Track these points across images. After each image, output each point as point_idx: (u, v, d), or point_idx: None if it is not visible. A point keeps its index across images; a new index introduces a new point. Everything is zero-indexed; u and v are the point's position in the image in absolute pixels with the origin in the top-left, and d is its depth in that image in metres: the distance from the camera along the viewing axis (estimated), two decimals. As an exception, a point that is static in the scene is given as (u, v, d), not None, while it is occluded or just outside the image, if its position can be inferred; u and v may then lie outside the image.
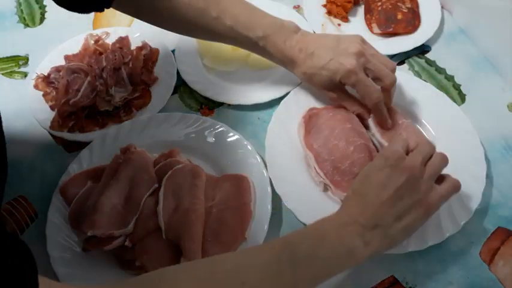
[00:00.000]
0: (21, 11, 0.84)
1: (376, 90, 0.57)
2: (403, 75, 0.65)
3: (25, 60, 0.76)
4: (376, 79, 0.57)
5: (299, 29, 0.60)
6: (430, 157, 0.48)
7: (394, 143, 0.49)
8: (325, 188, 0.56)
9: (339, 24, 0.76)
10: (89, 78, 0.68)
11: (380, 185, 0.45)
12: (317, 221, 0.46)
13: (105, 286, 0.37)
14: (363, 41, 0.58)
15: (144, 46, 0.73)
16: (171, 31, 0.64)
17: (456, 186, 0.49)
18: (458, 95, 0.67)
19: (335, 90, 0.59)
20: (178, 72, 0.70)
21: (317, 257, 0.43)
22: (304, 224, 0.54)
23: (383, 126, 0.59)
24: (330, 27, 0.75)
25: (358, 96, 0.59)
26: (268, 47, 0.59)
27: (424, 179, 0.46)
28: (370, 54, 0.57)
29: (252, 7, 0.60)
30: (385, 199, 0.45)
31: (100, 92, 0.67)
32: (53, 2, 0.84)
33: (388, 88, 0.57)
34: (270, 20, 0.59)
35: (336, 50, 0.57)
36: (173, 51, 0.73)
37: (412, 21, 0.74)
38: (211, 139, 0.61)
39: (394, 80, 0.57)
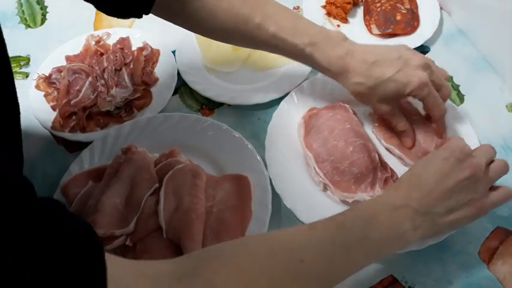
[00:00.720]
0: (23, 11, 0.84)
1: (442, 102, 0.56)
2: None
3: (26, 60, 0.77)
4: (437, 90, 0.56)
5: (346, 39, 0.57)
6: (491, 162, 0.49)
7: (460, 139, 0.49)
8: (325, 188, 0.57)
9: (338, 25, 0.77)
10: (90, 79, 0.68)
11: (443, 173, 0.45)
12: (369, 201, 0.47)
13: (162, 262, 0.37)
14: (414, 52, 0.57)
15: (144, 47, 0.73)
16: (209, 37, 0.61)
17: (509, 196, 0.49)
18: (457, 96, 0.68)
19: (391, 103, 0.57)
20: (178, 73, 0.70)
21: (369, 239, 0.43)
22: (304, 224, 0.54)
23: (440, 136, 0.58)
24: (330, 28, 0.75)
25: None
26: (315, 54, 0.56)
27: (484, 181, 0.47)
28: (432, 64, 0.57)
29: (297, 15, 0.59)
30: (444, 189, 0.45)
31: (101, 93, 0.67)
32: (54, 3, 0.85)
33: (445, 99, 0.57)
34: (316, 28, 0.57)
35: (400, 62, 0.54)
36: (174, 51, 0.73)
37: (411, 22, 0.74)
38: (211, 139, 0.61)
39: (450, 91, 0.58)
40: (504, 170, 0.49)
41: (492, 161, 0.49)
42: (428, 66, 0.55)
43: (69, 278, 0.28)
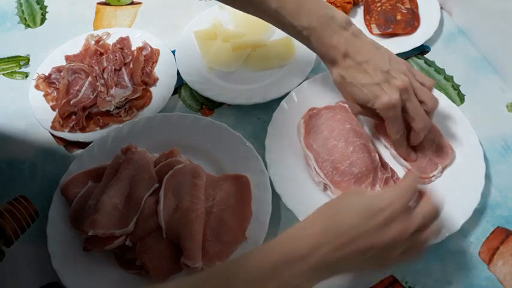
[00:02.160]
0: (22, 11, 0.84)
1: (401, 129, 0.55)
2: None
3: (26, 60, 0.77)
4: (409, 118, 0.55)
5: (350, 25, 0.55)
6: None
7: (403, 190, 0.42)
8: (325, 188, 0.57)
9: (339, 25, 0.76)
10: (89, 79, 0.68)
11: (364, 232, 0.40)
12: (270, 245, 0.41)
13: None
14: (410, 70, 0.55)
15: (144, 46, 0.73)
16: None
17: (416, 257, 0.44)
18: (458, 95, 0.67)
19: (364, 108, 0.56)
20: (178, 73, 0.70)
21: None
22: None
23: (406, 159, 0.57)
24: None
25: None
26: (312, 39, 0.55)
27: (402, 248, 0.42)
28: (415, 87, 0.54)
29: None
30: (358, 249, 0.40)
31: (101, 93, 0.67)
32: (53, 3, 0.85)
33: (417, 132, 0.55)
34: (320, 10, 0.54)
35: (384, 75, 0.53)
36: (173, 51, 0.73)
37: (412, 22, 0.74)
38: (211, 139, 0.61)
39: (426, 126, 0.54)
40: (433, 238, 0.45)
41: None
42: (406, 91, 0.53)
43: None
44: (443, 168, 0.57)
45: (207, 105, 0.69)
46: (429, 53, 0.73)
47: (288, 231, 0.42)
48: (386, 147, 0.60)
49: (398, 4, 0.76)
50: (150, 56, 0.72)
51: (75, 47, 0.75)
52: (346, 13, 0.77)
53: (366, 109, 0.56)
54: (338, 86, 0.58)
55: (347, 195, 0.44)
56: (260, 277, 0.39)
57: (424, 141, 0.57)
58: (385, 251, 0.41)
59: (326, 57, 0.56)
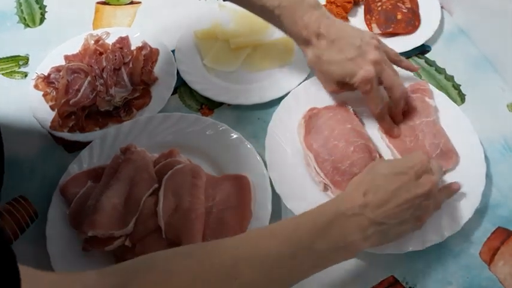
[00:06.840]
0: (22, 11, 0.84)
1: (381, 101, 0.57)
2: (403, 75, 0.65)
3: (25, 60, 0.76)
4: (387, 88, 0.57)
5: (319, 5, 0.58)
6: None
7: (420, 153, 0.49)
8: (325, 188, 0.56)
9: (339, 25, 0.76)
10: (89, 78, 0.68)
11: (403, 187, 0.45)
12: (324, 206, 0.45)
13: (93, 272, 0.36)
14: (379, 41, 0.58)
15: (144, 46, 0.73)
16: None
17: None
18: (458, 95, 0.67)
19: (339, 85, 0.59)
20: (178, 72, 0.70)
21: (317, 250, 0.42)
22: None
23: (390, 134, 0.59)
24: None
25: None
26: (283, 18, 0.56)
27: (436, 199, 0.48)
28: (384, 60, 0.57)
29: None
30: (402, 202, 0.45)
31: (100, 92, 0.67)
32: (53, 2, 0.85)
33: (397, 100, 0.57)
34: None
35: (357, 50, 0.55)
36: (173, 51, 0.73)
37: (412, 22, 0.74)
38: (211, 139, 0.61)
39: (404, 92, 0.57)
40: (452, 193, 0.52)
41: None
42: (379, 63, 0.56)
43: None
44: (445, 171, 0.57)
45: (207, 105, 0.69)
46: (430, 52, 0.73)
47: (331, 203, 0.46)
48: (388, 147, 0.60)
49: (399, 3, 0.76)
50: (150, 56, 0.72)
51: (74, 46, 0.74)
52: (346, 12, 0.77)
53: (342, 85, 0.59)
54: (314, 65, 0.60)
55: (373, 164, 0.49)
56: (322, 226, 0.42)
57: (428, 145, 0.57)
58: (423, 203, 0.46)
59: (299, 37, 0.58)
